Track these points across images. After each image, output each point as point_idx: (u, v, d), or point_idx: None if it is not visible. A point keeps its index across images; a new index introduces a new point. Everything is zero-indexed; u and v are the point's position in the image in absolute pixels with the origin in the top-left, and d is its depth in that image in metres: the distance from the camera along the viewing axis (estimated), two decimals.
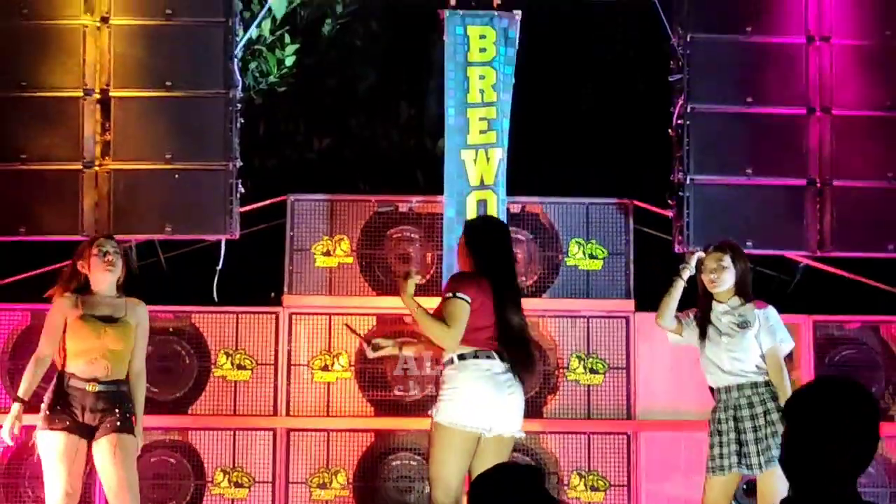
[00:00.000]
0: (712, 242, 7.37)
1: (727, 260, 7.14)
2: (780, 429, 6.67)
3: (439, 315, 6.68)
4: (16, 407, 7.06)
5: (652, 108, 9.23)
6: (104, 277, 7.07)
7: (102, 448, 6.92)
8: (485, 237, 7.04)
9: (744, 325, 7.09)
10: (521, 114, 8.81)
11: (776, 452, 6.69)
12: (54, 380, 7.02)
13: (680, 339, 7.24)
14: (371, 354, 7.27)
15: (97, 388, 6.94)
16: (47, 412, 6.95)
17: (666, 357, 8.42)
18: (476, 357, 6.68)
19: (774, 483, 6.87)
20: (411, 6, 9.50)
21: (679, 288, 7.10)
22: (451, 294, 6.73)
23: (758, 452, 6.90)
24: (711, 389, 7.18)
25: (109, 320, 7.03)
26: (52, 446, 6.93)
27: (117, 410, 6.98)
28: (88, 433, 6.95)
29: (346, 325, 7.59)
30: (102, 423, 6.94)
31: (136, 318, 7.14)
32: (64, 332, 7.05)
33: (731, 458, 6.93)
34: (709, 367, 7.13)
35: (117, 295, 7.16)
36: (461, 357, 6.68)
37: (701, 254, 7.11)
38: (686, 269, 7.11)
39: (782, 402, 6.83)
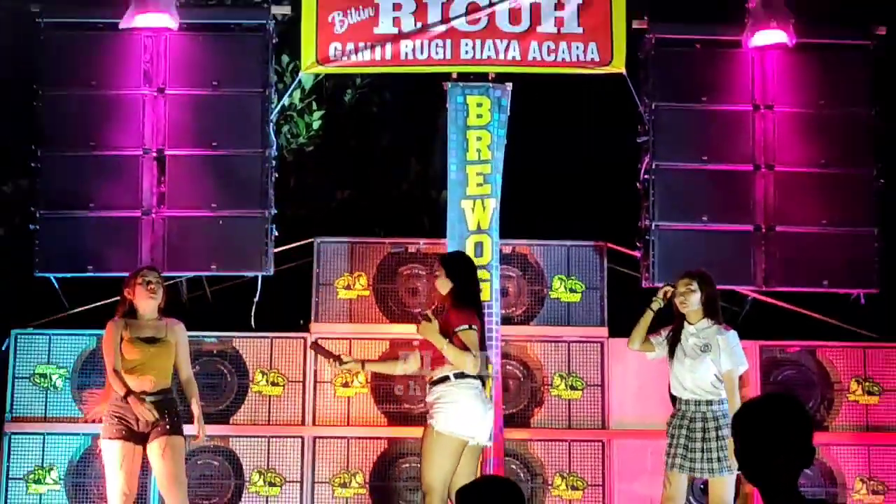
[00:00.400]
0: (679, 275, 7.35)
1: (694, 285, 7.14)
2: (729, 443, 6.79)
3: (459, 343, 6.71)
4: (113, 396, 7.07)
5: (623, 165, 9.22)
6: (147, 304, 7.12)
7: (155, 449, 6.96)
8: (464, 268, 7.16)
9: (705, 349, 7.08)
10: (513, 168, 8.80)
11: (726, 463, 6.83)
12: (111, 396, 7.05)
13: (656, 355, 7.25)
14: (336, 369, 7.37)
15: (147, 399, 7.00)
16: (107, 424, 7.00)
17: (634, 376, 8.48)
18: (469, 377, 6.72)
19: (722, 489, 6.95)
20: (419, 79, 9.53)
21: (648, 318, 7.11)
22: (467, 326, 6.80)
23: (703, 459, 6.92)
24: (673, 398, 7.18)
25: (152, 341, 7.07)
26: (111, 453, 6.99)
27: (166, 416, 7.01)
28: (142, 439, 6.99)
29: (315, 343, 7.51)
30: (154, 428, 6.97)
31: (175, 337, 7.18)
32: (122, 352, 7.09)
33: (677, 459, 6.95)
34: (674, 380, 7.14)
35: (159, 318, 7.19)
36: (458, 376, 6.70)
37: (668, 288, 7.13)
38: (656, 302, 7.12)
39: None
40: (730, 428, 6.94)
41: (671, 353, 7.16)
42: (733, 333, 7.19)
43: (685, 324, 7.15)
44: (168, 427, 7.03)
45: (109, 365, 7.13)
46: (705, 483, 7.71)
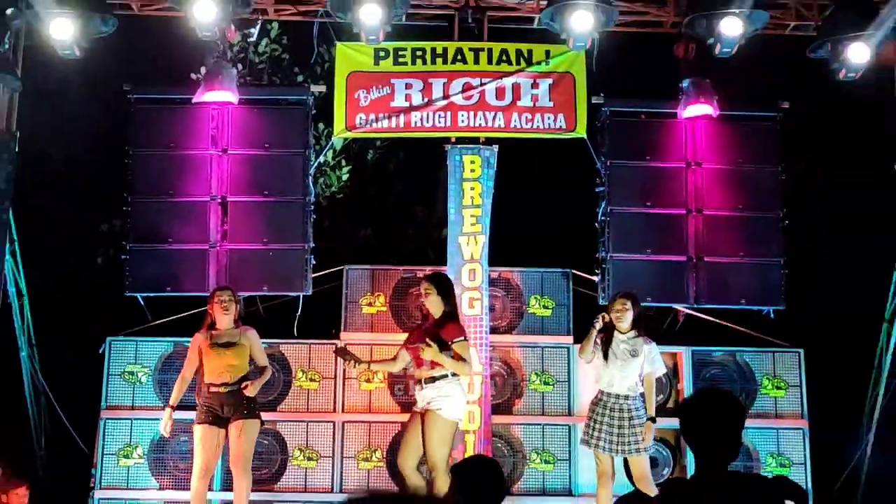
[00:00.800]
0: (615, 296, 7.59)
1: (629, 304, 7.31)
2: (640, 430, 7.10)
3: (456, 354, 6.96)
4: (167, 411, 7.24)
5: (584, 209, 9.22)
6: (222, 318, 7.27)
7: (232, 430, 7.12)
8: (451, 287, 7.42)
9: (634, 353, 7.23)
10: (498, 211, 8.77)
11: (642, 445, 7.07)
12: (203, 389, 7.21)
13: (591, 359, 7.36)
14: (352, 368, 7.63)
15: (226, 390, 7.07)
16: (197, 411, 7.20)
17: (593, 374, 8.44)
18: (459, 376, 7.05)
19: (642, 465, 7.14)
20: (425, 142, 9.55)
21: (592, 336, 7.21)
22: (462, 338, 7.09)
23: (624, 443, 7.08)
24: (601, 391, 7.28)
25: (228, 345, 7.19)
26: (196, 434, 7.16)
27: (243, 403, 7.12)
28: (225, 423, 7.11)
29: (337, 348, 7.48)
30: (233, 413, 7.10)
31: (248, 340, 7.31)
32: (201, 357, 7.20)
33: (601, 443, 7.12)
34: (604, 377, 7.25)
35: (234, 326, 7.30)
36: (453, 374, 6.99)
37: (605, 314, 7.21)
38: (597, 323, 7.19)
39: (650, 412, 7.23)
40: (642, 418, 7.16)
41: (605, 356, 7.25)
42: (654, 345, 7.38)
43: (616, 333, 7.26)
44: (245, 412, 7.15)
45: (183, 371, 7.37)
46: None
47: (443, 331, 7.09)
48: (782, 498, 3.48)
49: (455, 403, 7.03)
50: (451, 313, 7.24)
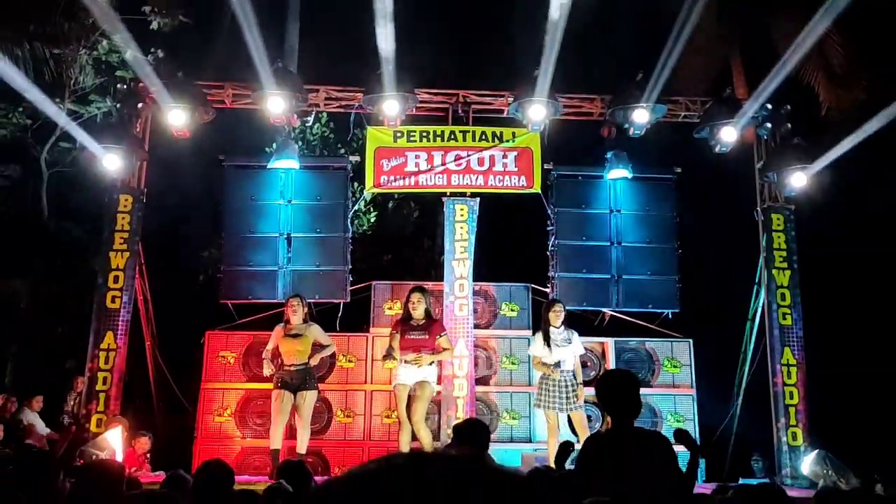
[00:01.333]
0: (551, 301, 7.65)
1: (561, 307, 7.37)
2: (578, 393, 7.09)
3: (440, 347, 7.19)
4: (268, 363, 7.30)
5: (539, 241, 9.18)
6: (292, 316, 7.30)
7: (299, 397, 7.16)
8: (429, 296, 7.50)
9: (567, 341, 7.26)
10: (481, 243, 8.76)
11: (580, 403, 7.08)
12: (279, 366, 7.26)
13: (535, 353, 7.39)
14: (386, 365, 7.42)
15: (294, 368, 7.16)
16: (275, 381, 7.21)
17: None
18: None
19: (581, 417, 7.14)
20: (430, 195, 9.65)
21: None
22: (445, 333, 7.33)
23: (566, 402, 7.07)
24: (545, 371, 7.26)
25: (297, 336, 7.25)
26: (275, 397, 7.17)
27: (306, 379, 7.20)
28: (294, 389, 7.16)
29: (384, 356, 7.35)
30: (300, 385, 7.16)
31: (311, 332, 7.36)
32: (277, 343, 7.28)
33: (553, 403, 7.11)
34: (546, 358, 7.21)
35: (303, 322, 7.34)
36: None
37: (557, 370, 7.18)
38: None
39: (580, 379, 7.22)
40: (576, 385, 7.13)
41: (547, 346, 7.25)
42: (576, 333, 7.44)
43: (551, 328, 7.28)
44: (306, 385, 7.22)
45: (266, 350, 7.41)
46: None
47: (431, 329, 7.24)
48: (671, 445, 3.49)
49: (436, 378, 7.32)
50: (431, 314, 7.41)
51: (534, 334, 7.63)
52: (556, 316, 7.34)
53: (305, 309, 7.51)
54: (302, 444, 7.29)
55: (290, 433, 7.70)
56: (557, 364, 7.18)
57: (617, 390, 3.53)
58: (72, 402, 9.05)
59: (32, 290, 10.70)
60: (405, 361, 7.12)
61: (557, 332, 7.31)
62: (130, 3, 9.30)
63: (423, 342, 7.20)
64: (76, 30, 9.28)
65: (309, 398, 7.27)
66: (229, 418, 8.37)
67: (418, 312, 7.24)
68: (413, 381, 7.14)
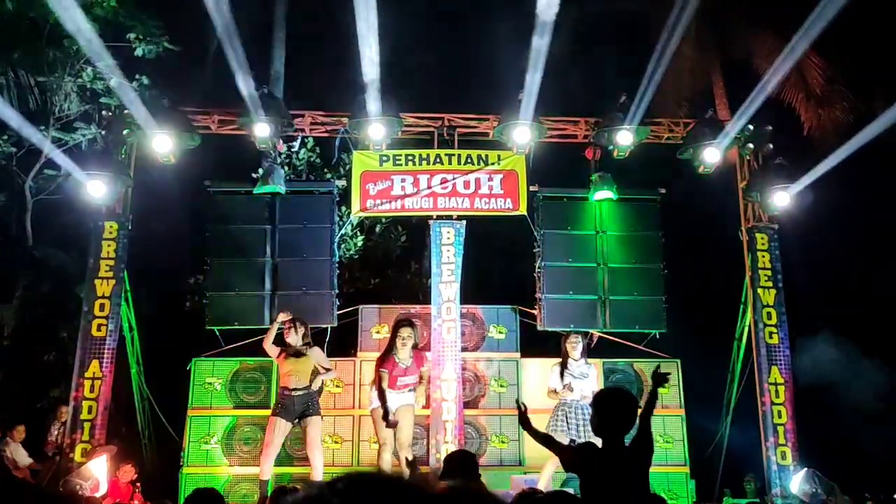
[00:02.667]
0: (568, 332, 7.59)
1: (580, 339, 7.33)
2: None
3: (422, 378, 7.28)
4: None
5: (526, 264, 9.19)
6: (291, 337, 7.21)
7: (306, 424, 7.01)
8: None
9: (584, 376, 7.22)
10: (468, 265, 8.73)
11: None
12: (279, 392, 7.13)
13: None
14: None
15: (296, 394, 7.02)
16: (274, 407, 7.10)
17: (535, 379, 8.48)
18: None
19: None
20: (416, 218, 9.65)
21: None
22: (427, 362, 7.43)
23: (576, 429, 7.02)
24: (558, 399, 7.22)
25: (298, 355, 7.14)
26: (272, 425, 7.02)
27: (309, 405, 7.07)
28: (295, 417, 7.00)
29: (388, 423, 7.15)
30: (303, 412, 7.02)
31: (312, 354, 7.25)
32: (280, 364, 7.17)
33: (559, 426, 7.05)
34: (565, 392, 7.16)
35: (303, 343, 7.24)
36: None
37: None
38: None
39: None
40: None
41: (561, 377, 7.21)
42: (594, 369, 7.42)
43: (570, 360, 7.25)
44: (310, 411, 7.08)
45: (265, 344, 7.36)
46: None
47: (416, 365, 7.23)
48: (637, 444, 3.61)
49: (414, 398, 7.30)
50: (417, 346, 7.40)
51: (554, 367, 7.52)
52: (573, 347, 7.30)
53: (304, 329, 7.39)
54: (319, 469, 7.11)
55: (278, 461, 7.61)
56: (569, 386, 7.14)
57: (621, 409, 3.58)
58: (56, 432, 8.93)
59: (17, 316, 10.60)
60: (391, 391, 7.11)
61: (576, 364, 7.27)
62: (115, 30, 9.30)
63: (410, 383, 7.23)
64: (61, 57, 9.28)
65: (316, 423, 7.11)
66: (216, 446, 8.30)
67: (407, 350, 7.20)
68: (395, 405, 7.09)
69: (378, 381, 7.15)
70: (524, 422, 4.21)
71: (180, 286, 11.34)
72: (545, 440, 4.20)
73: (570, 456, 3.83)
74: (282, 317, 7.44)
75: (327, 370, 7.48)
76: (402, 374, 7.19)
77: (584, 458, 3.64)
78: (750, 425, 8.56)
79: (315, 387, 7.27)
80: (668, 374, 3.87)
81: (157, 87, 8.50)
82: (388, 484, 0.80)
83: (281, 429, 7.00)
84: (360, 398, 8.47)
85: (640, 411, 3.68)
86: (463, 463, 4.15)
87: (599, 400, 3.70)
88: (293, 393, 7.03)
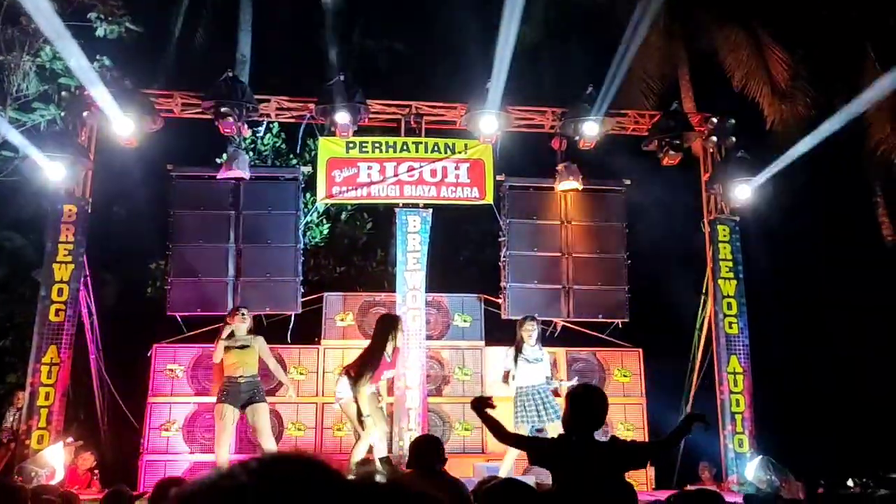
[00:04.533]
0: (524, 318, 7.54)
1: (535, 325, 7.35)
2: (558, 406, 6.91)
3: None
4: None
5: (491, 252, 9.28)
6: (239, 326, 7.11)
7: (251, 411, 6.91)
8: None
9: (538, 360, 7.27)
10: (434, 254, 8.78)
11: (557, 413, 6.86)
12: (223, 381, 7.00)
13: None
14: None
15: (242, 380, 6.93)
16: (218, 394, 6.97)
17: (499, 367, 8.50)
18: None
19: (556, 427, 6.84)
20: (382, 206, 9.64)
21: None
22: None
23: (537, 416, 7.04)
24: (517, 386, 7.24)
25: (244, 347, 7.04)
26: (219, 412, 6.92)
27: (254, 392, 6.97)
28: (241, 403, 6.90)
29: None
30: (249, 398, 6.92)
31: (257, 344, 7.13)
32: (224, 354, 7.05)
33: (522, 416, 7.07)
34: (520, 375, 7.19)
35: (247, 333, 7.16)
36: None
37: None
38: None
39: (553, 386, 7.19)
40: (549, 392, 7.09)
41: (515, 362, 7.25)
42: (548, 355, 7.45)
43: (525, 345, 7.29)
44: (256, 398, 6.98)
45: (215, 358, 7.18)
46: None
47: (394, 355, 7.20)
48: (619, 452, 3.64)
49: None
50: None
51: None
52: (528, 334, 7.30)
53: (250, 319, 7.33)
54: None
55: (238, 449, 7.61)
56: (526, 379, 7.16)
57: (594, 406, 3.62)
58: (11, 418, 8.77)
59: None
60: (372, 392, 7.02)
61: (530, 350, 7.28)
62: (75, 9, 9.11)
63: (387, 368, 7.22)
64: (19, 36, 9.06)
65: (262, 410, 7.04)
66: (177, 433, 8.25)
67: (394, 343, 7.16)
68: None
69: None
70: (490, 425, 4.22)
71: (142, 271, 11.19)
72: (515, 440, 4.27)
73: (539, 452, 3.83)
74: (225, 332, 7.21)
75: (277, 370, 7.43)
76: (386, 367, 7.15)
77: (557, 452, 3.64)
78: (709, 414, 8.65)
79: (287, 394, 7.22)
80: (706, 421, 3.92)
81: (119, 69, 8.34)
82: (306, 465, 0.79)
83: (229, 415, 6.91)
84: (324, 386, 8.47)
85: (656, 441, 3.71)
86: (429, 448, 4.14)
87: (575, 396, 3.73)
88: (239, 380, 6.96)
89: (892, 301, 11.05)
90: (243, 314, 7.23)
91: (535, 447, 3.96)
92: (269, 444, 7.07)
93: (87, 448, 8.01)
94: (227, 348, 7.07)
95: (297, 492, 0.75)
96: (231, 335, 7.18)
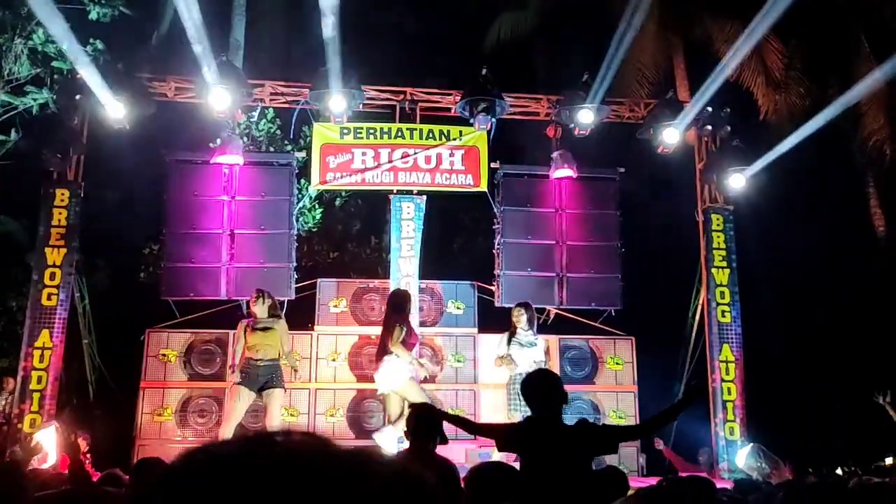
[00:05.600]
0: (515, 304, 7.49)
1: (524, 310, 7.32)
2: None
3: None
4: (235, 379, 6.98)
5: (485, 240, 9.25)
6: (259, 309, 7.00)
7: (267, 395, 6.83)
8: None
9: (531, 344, 7.25)
10: (428, 241, 8.80)
11: None
12: (243, 360, 6.90)
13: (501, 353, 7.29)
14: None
15: (262, 363, 6.85)
16: (238, 374, 6.84)
17: (491, 354, 8.51)
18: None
19: None
20: (376, 192, 9.61)
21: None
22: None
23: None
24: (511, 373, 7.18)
25: (266, 329, 6.94)
26: (234, 393, 6.85)
27: (273, 376, 6.88)
28: (259, 387, 6.82)
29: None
30: (266, 383, 6.84)
31: (279, 327, 7.03)
32: (246, 336, 6.96)
33: (513, 404, 6.90)
34: (513, 361, 7.13)
35: (269, 316, 7.06)
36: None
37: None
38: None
39: None
40: None
41: (508, 343, 7.20)
42: (541, 337, 7.41)
43: (518, 330, 7.26)
44: (274, 383, 6.89)
45: (238, 346, 7.10)
46: None
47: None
48: (587, 434, 3.68)
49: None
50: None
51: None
52: (517, 318, 7.26)
53: (270, 301, 7.18)
54: None
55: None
56: (513, 361, 7.11)
57: (541, 388, 3.71)
58: (2, 402, 8.77)
59: None
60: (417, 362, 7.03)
61: (523, 334, 7.24)
62: None
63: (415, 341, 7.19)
64: (10, 18, 8.98)
65: (277, 395, 6.95)
66: (170, 417, 8.24)
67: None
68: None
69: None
70: (459, 424, 4.27)
71: (135, 256, 11.15)
72: (485, 430, 4.35)
73: (504, 436, 3.86)
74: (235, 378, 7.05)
75: (289, 356, 7.31)
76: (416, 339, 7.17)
77: (520, 436, 3.69)
78: (700, 402, 8.71)
79: (292, 371, 7.14)
80: (702, 388, 3.97)
81: (112, 52, 8.27)
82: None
83: (243, 398, 6.82)
84: (317, 372, 8.49)
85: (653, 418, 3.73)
86: (426, 422, 4.12)
87: (523, 387, 3.82)
88: (258, 363, 6.88)
89: (884, 291, 11.10)
90: (258, 298, 7.08)
91: (499, 433, 3.99)
92: (276, 427, 7.01)
93: (80, 433, 7.98)
94: (248, 328, 6.97)
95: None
96: (253, 317, 7.07)
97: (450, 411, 8.45)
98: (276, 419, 7.02)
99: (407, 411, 6.53)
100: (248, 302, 7.30)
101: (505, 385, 7.26)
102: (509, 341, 7.25)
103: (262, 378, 6.86)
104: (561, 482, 3.43)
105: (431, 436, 4.06)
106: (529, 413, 6.83)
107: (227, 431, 6.90)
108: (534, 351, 7.22)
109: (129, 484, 3.57)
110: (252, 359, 6.87)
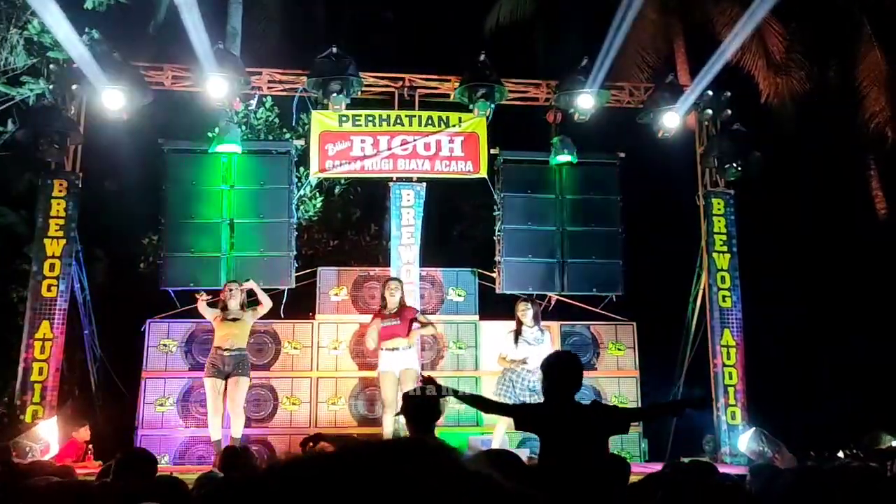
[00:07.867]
0: (520, 300, 7.47)
1: (529, 305, 7.28)
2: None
3: (425, 322, 7.40)
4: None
5: (486, 226, 9.23)
6: (230, 301, 7.15)
7: (231, 383, 6.98)
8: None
9: (538, 341, 7.20)
10: (428, 228, 8.79)
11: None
12: (212, 351, 7.04)
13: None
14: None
15: (227, 353, 6.98)
16: (205, 369, 7.04)
17: (493, 342, 8.48)
18: None
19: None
20: (376, 180, 9.56)
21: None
22: (418, 311, 7.52)
23: (522, 397, 6.97)
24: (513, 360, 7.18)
25: (234, 320, 7.09)
26: (207, 386, 7.03)
27: (238, 365, 7.01)
28: (225, 375, 6.97)
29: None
30: (232, 370, 6.97)
31: (248, 318, 7.23)
32: (216, 327, 7.08)
33: (504, 393, 6.98)
34: (511, 355, 7.13)
35: (239, 307, 7.19)
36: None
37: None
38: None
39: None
40: (538, 392, 7.05)
41: (515, 341, 7.20)
42: (547, 332, 7.39)
43: (524, 327, 7.22)
44: (240, 371, 7.03)
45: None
46: None
47: (403, 314, 7.27)
48: (602, 413, 3.72)
49: (417, 362, 7.49)
50: (404, 302, 7.44)
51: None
52: (523, 314, 7.24)
53: (243, 295, 7.35)
54: (237, 429, 7.17)
55: (229, 422, 7.57)
56: (524, 360, 7.07)
57: (567, 371, 3.72)
58: None
59: None
60: (386, 349, 7.22)
61: (530, 331, 7.21)
62: None
63: (396, 329, 7.24)
64: (5, 7, 8.90)
65: (241, 384, 7.11)
66: (171, 407, 8.25)
67: (394, 300, 7.30)
68: (399, 368, 7.18)
69: (371, 328, 7.35)
70: (472, 402, 4.29)
71: (134, 246, 11.12)
72: (500, 408, 4.43)
73: (523, 415, 3.90)
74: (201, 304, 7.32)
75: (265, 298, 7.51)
76: (384, 318, 7.29)
77: (540, 415, 3.71)
78: (702, 387, 8.69)
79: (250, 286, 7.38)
80: (707, 400, 4.03)
81: (108, 41, 8.19)
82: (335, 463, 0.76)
83: (216, 388, 7.03)
84: (318, 360, 8.49)
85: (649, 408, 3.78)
86: (423, 410, 4.11)
87: (547, 365, 3.80)
88: (224, 353, 7.03)
89: (884, 273, 11.07)
90: (231, 290, 7.27)
91: (519, 411, 4.11)
92: (237, 419, 7.15)
93: (82, 423, 7.98)
94: (219, 319, 7.16)
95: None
96: (224, 308, 7.24)
97: (452, 399, 8.47)
98: (237, 406, 7.14)
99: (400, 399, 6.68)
100: (220, 295, 7.42)
101: (499, 375, 7.29)
102: (516, 339, 7.20)
103: (228, 367, 7.04)
104: (582, 461, 3.46)
105: (431, 424, 4.05)
106: (517, 402, 6.96)
107: (214, 424, 7.10)
108: (542, 348, 7.19)
109: (114, 474, 3.51)
110: (220, 348, 7.07)
